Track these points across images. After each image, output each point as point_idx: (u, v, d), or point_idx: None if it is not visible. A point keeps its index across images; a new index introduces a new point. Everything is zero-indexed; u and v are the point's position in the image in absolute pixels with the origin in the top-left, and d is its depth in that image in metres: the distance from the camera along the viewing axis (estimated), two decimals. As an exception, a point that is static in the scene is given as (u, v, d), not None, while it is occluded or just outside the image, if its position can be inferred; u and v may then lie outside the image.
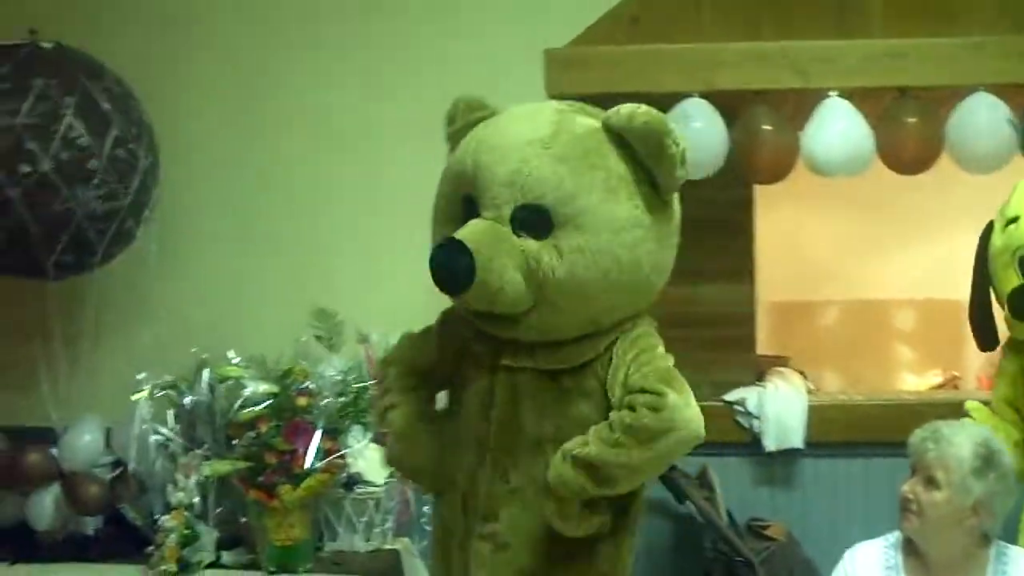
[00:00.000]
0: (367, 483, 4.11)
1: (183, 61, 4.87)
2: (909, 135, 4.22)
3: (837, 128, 4.19)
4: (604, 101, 4.16)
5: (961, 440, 3.04)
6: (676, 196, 2.99)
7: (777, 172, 4.27)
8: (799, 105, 4.37)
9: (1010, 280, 3.53)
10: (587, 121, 2.90)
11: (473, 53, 4.62)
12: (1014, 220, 3.57)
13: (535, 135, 2.84)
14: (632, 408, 2.70)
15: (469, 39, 4.68)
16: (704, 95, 4.20)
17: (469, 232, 2.79)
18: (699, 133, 4.15)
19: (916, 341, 6.71)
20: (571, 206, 2.78)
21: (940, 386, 6.49)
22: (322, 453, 3.91)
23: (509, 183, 2.81)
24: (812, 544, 4.35)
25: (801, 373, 5.00)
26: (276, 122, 4.83)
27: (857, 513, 4.44)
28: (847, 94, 4.24)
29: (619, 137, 2.85)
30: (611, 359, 2.85)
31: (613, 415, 2.74)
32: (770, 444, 4.44)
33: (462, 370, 3.04)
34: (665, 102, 4.17)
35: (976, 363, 6.71)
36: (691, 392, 2.77)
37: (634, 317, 2.92)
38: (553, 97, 4.22)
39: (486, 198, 2.83)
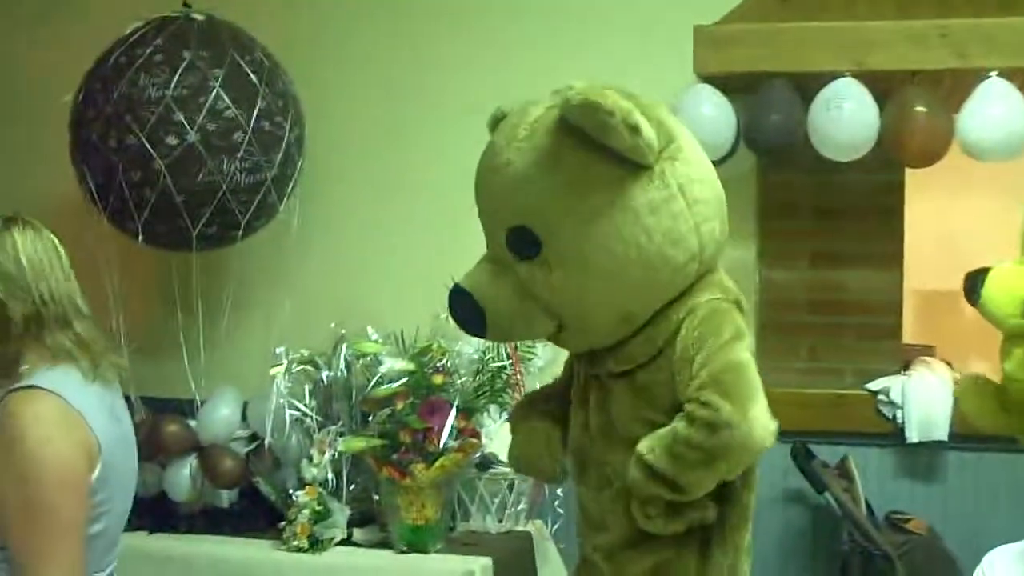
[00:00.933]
0: (501, 464, 4.08)
1: (332, 36, 4.92)
2: (1074, 119, 4.05)
3: (996, 110, 4.04)
4: (754, 80, 4.12)
5: None
6: (676, 153, 2.72)
7: (930, 156, 4.13)
8: (956, 86, 4.23)
9: None
10: (552, 116, 2.71)
11: (622, 30, 4.59)
12: None
13: (496, 159, 2.77)
14: (691, 420, 2.58)
15: (618, 16, 4.63)
16: (856, 75, 4.08)
17: (470, 277, 2.80)
18: (850, 114, 4.04)
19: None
20: (543, 217, 2.69)
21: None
22: (456, 432, 3.88)
23: (491, 213, 2.81)
24: (954, 540, 4.22)
25: (948, 363, 4.86)
26: (421, 99, 4.84)
27: (1001, 509, 4.34)
28: (1009, 75, 4.08)
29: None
30: (679, 345, 2.71)
31: (678, 420, 2.61)
32: (913, 436, 4.32)
33: (572, 385, 3.01)
34: (815, 81, 4.09)
35: None
36: (756, 391, 2.59)
37: (687, 296, 2.75)
38: (702, 76, 4.16)
39: (485, 233, 2.85)
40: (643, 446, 2.63)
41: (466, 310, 2.79)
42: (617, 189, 2.65)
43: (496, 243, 2.80)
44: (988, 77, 4.07)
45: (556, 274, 2.71)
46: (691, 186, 2.71)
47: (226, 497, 4.35)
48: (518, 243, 2.73)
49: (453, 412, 3.89)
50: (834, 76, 4.09)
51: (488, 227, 2.84)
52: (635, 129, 2.57)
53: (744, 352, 2.67)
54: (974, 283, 3.23)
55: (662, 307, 2.75)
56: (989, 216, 6.43)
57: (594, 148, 2.62)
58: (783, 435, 4.21)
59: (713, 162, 4.01)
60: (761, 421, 2.56)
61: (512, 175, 2.72)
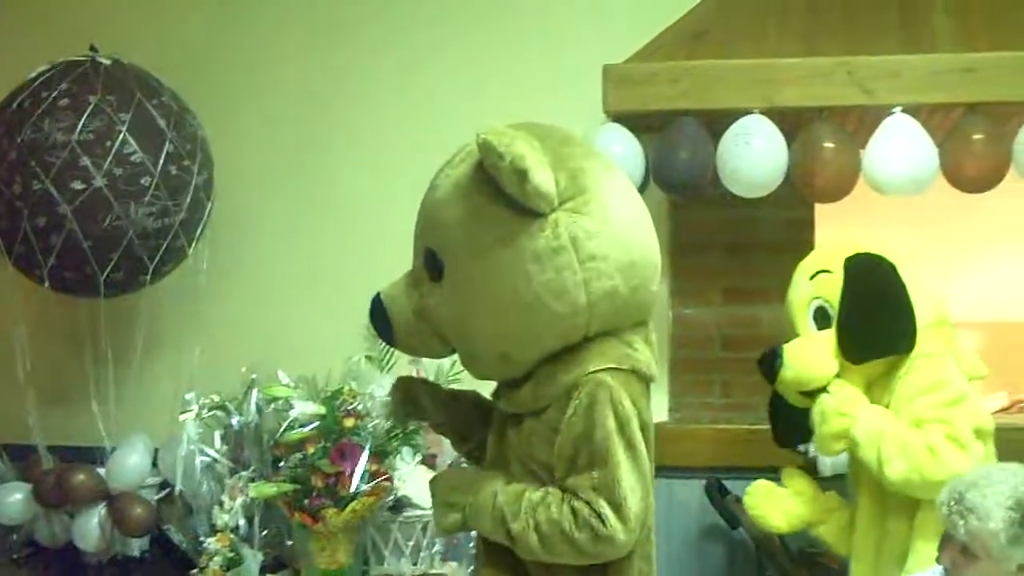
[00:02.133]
0: (415, 506, 4.05)
1: (240, 79, 4.90)
2: (974, 153, 4.09)
3: (900, 146, 4.08)
4: (663, 118, 4.14)
5: (989, 508, 2.86)
6: (581, 207, 2.75)
7: (838, 191, 4.16)
8: (863, 122, 4.27)
9: None
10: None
11: (532, 69, 4.61)
12: None
13: (432, 183, 2.88)
14: (576, 517, 2.69)
15: (528, 55, 4.66)
16: (765, 112, 4.11)
17: (390, 287, 2.94)
18: (758, 150, 4.06)
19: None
20: (446, 243, 2.78)
21: (1004, 409, 6.35)
22: (368, 475, 3.84)
23: (417, 232, 2.90)
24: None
25: (860, 395, 4.89)
26: (331, 140, 4.83)
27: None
28: (913, 110, 4.13)
29: None
30: (566, 413, 2.75)
31: (554, 505, 2.71)
32: (826, 469, 4.31)
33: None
34: (724, 119, 4.11)
35: (1044, 387, 6.58)
36: (636, 497, 2.71)
37: (576, 359, 2.79)
38: (612, 115, 4.17)
39: (414, 252, 2.95)
40: (509, 510, 2.75)
41: (379, 318, 2.91)
42: (506, 230, 2.70)
43: (417, 261, 2.89)
44: (893, 113, 4.12)
45: (445, 300, 2.79)
46: (588, 241, 2.73)
47: (136, 546, 4.29)
48: (429, 265, 2.82)
49: (365, 455, 3.85)
50: (742, 113, 4.12)
51: (414, 244, 2.91)
52: (522, 175, 2.61)
53: (625, 448, 2.72)
54: (771, 363, 3.47)
55: (550, 364, 2.79)
56: (898, 248, 6.49)
57: (498, 188, 2.68)
58: (697, 471, 4.28)
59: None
60: (632, 533, 2.71)
61: (434, 199, 2.82)
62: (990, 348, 6.64)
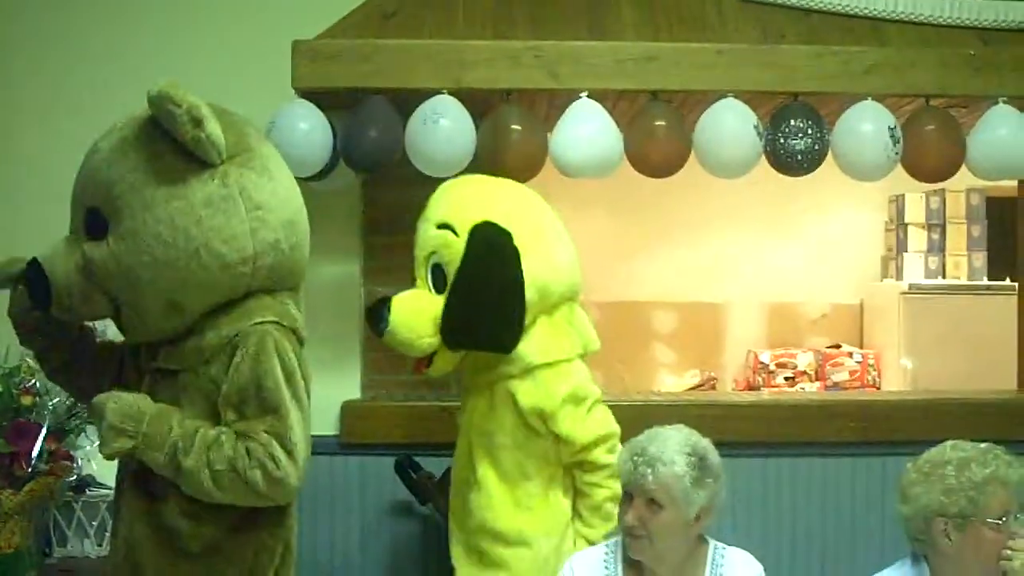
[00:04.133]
0: (100, 485, 4.00)
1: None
2: (657, 138, 4.22)
3: (585, 129, 4.18)
4: (353, 96, 4.15)
5: (672, 455, 3.04)
6: (247, 162, 2.98)
7: (525, 172, 4.21)
8: (552, 106, 4.37)
9: None
10: (147, 112, 2.92)
11: (223, 43, 4.56)
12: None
13: (92, 147, 2.99)
14: (251, 456, 2.83)
15: (218, 28, 4.60)
16: (454, 93, 4.15)
17: (48, 249, 3.00)
18: (446, 131, 4.10)
19: (675, 343, 6.82)
20: (111, 198, 2.88)
21: (698, 386, 6.61)
22: (47, 455, 3.76)
23: (76, 195, 3.00)
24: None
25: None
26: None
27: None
28: (600, 96, 4.24)
29: None
30: (229, 363, 2.90)
31: (228, 444, 2.84)
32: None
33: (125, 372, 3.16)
34: (414, 98, 4.14)
35: (733, 365, 6.87)
36: (304, 445, 2.90)
37: (237, 312, 2.95)
38: (301, 91, 4.15)
39: (71, 217, 3.04)
40: (183, 445, 2.84)
41: (36, 281, 2.96)
42: (178, 180, 2.84)
43: (76, 224, 2.98)
44: (579, 97, 4.22)
45: (113, 254, 2.87)
46: (255, 192, 2.93)
47: None
48: (91, 224, 2.92)
49: (43, 434, 3.76)
50: (431, 93, 4.15)
51: (72, 208, 3.01)
52: (197, 122, 2.79)
53: (292, 398, 2.91)
54: (379, 314, 3.52)
55: (212, 318, 2.93)
56: (596, 231, 6.67)
57: (169, 142, 2.83)
58: (389, 448, 4.31)
59: (311, 177, 4.05)
60: (298, 477, 2.89)
61: (96, 159, 2.93)
62: (683, 328, 6.93)
